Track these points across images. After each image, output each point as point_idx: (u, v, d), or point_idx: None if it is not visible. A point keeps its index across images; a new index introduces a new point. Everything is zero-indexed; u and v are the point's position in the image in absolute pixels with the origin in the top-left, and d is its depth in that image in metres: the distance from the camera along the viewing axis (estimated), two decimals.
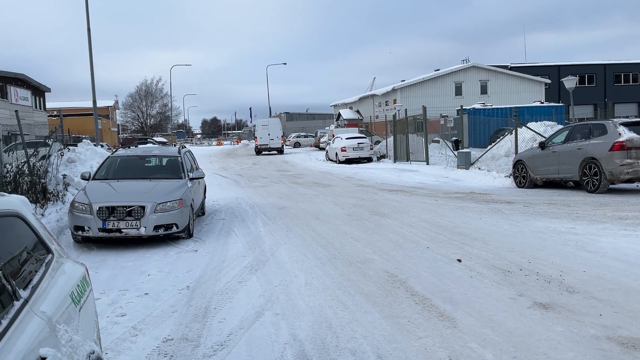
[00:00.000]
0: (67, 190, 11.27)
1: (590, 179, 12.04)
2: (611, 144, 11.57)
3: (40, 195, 10.49)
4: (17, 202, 2.80)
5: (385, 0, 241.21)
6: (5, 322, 2.06)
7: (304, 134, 56.74)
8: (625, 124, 11.95)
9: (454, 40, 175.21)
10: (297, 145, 51.63)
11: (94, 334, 3.09)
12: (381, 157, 28.51)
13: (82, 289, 3.02)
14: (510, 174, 15.12)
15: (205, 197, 11.81)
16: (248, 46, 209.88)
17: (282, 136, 40.24)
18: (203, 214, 11.25)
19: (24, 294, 2.34)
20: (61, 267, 2.97)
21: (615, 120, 12.60)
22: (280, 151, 40.00)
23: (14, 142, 14.07)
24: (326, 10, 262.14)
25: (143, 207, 8.14)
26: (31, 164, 10.97)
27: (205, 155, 37.93)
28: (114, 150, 13.34)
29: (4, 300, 2.16)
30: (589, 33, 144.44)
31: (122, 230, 8.05)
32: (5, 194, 2.84)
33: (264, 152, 39.60)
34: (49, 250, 2.95)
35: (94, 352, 2.77)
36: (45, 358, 2.15)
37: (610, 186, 11.96)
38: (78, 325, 2.72)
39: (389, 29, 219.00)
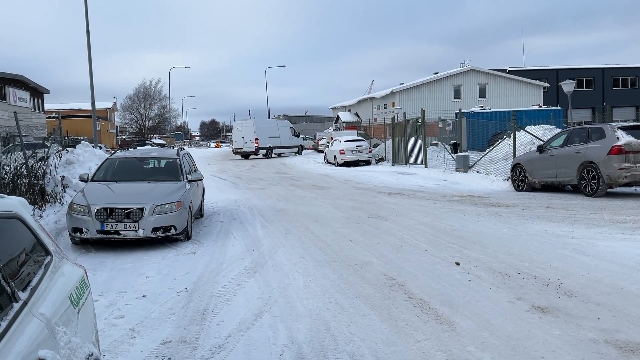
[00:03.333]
0: (65, 192, 11.26)
1: (589, 183, 12.06)
2: (609, 147, 11.60)
3: (38, 196, 10.47)
4: (15, 204, 2.80)
5: (383, 3, 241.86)
6: (4, 324, 2.06)
7: (302, 136, 56.69)
8: (623, 128, 11.98)
9: (452, 43, 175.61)
10: None
11: (93, 335, 3.09)
12: (380, 160, 28.53)
13: (80, 290, 3.02)
14: (509, 178, 15.14)
15: (203, 199, 11.80)
16: (247, 48, 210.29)
17: (256, 139, 36.51)
18: (201, 216, 11.25)
19: (23, 295, 2.34)
20: (60, 268, 2.97)
21: (613, 124, 12.64)
22: (263, 154, 37.33)
23: (12, 144, 14.04)
24: (325, 12, 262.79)
25: (141, 209, 8.14)
26: (29, 165, 10.96)
27: (203, 157, 37.93)
28: (112, 152, 13.31)
29: (3, 301, 2.16)
30: (583, 37, 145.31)
31: (121, 232, 8.04)
32: (4, 195, 2.84)
33: (251, 157, 37.41)
34: (47, 252, 2.95)
35: (92, 354, 2.76)
36: None
37: (609, 190, 11.98)
38: (77, 327, 2.72)
39: (388, 32, 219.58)
